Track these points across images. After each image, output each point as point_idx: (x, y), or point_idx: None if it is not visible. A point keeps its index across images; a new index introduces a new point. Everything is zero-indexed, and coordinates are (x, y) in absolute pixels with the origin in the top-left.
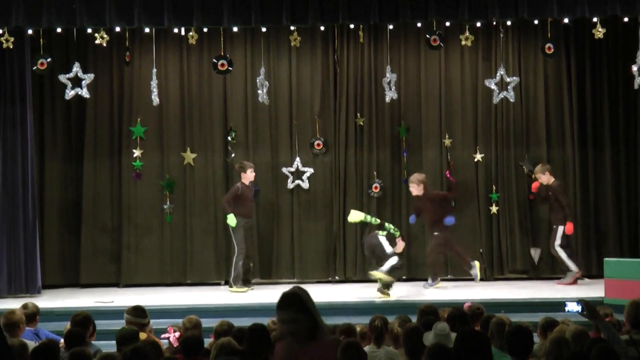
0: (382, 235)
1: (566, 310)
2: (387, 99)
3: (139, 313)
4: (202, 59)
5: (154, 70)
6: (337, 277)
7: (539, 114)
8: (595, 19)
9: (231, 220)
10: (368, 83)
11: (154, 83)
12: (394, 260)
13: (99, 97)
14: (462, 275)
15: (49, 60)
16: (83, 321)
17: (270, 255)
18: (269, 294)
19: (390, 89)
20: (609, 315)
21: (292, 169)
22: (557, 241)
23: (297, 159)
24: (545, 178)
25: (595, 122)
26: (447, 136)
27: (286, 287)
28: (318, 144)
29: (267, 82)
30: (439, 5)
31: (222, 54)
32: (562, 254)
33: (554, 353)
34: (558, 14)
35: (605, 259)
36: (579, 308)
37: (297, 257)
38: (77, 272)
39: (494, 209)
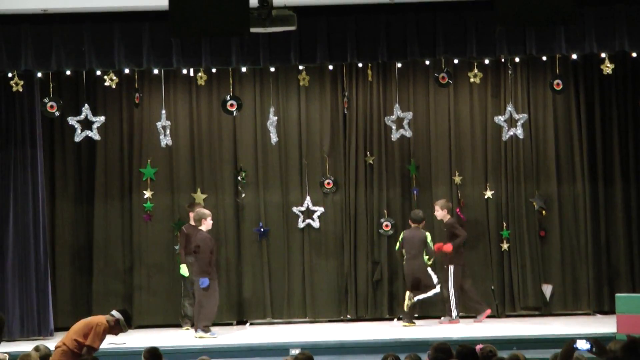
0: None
1: (575, 347)
2: (394, 138)
3: (155, 357)
4: (211, 99)
5: (163, 111)
6: (349, 316)
7: (548, 150)
8: (603, 55)
9: (184, 270)
10: (377, 121)
11: (160, 124)
12: (437, 290)
13: (109, 139)
14: (474, 312)
15: (58, 102)
16: None
17: (282, 295)
18: (282, 333)
19: (403, 127)
20: None
21: (303, 209)
22: (451, 281)
23: (308, 198)
24: (440, 214)
25: (606, 157)
26: (457, 173)
27: (298, 327)
28: (328, 183)
29: (275, 118)
30: (447, 43)
31: (232, 94)
32: (452, 296)
33: None
34: (566, 50)
35: (617, 294)
36: (587, 346)
37: (309, 296)
38: (89, 314)
39: (504, 245)
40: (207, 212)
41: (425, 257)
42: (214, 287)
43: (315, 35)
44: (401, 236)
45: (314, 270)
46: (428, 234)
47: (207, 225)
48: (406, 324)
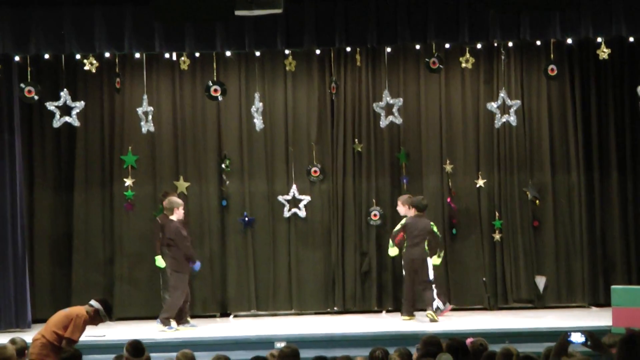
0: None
1: (569, 340)
2: (383, 125)
3: (136, 351)
4: (195, 85)
5: (144, 97)
6: (336, 308)
7: (542, 138)
8: (599, 40)
9: (159, 262)
10: (366, 108)
11: (141, 110)
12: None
13: (89, 125)
14: (464, 304)
15: (36, 87)
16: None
17: (267, 286)
18: (267, 326)
19: (393, 113)
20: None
21: (289, 197)
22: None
23: (294, 186)
24: (403, 210)
25: (601, 145)
26: (448, 162)
27: (284, 319)
28: (315, 171)
29: (261, 104)
30: (438, 27)
31: (216, 79)
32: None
33: None
34: (561, 35)
35: (613, 286)
36: (582, 339)
37: (295, 287)
38: (68, 306)
39: (497, 236)
40: (179, 201)
41: (427, 247)
42: (184, 282)
43: (303, 19)
44: (403, 222)
45: (300, 261)
46: (433, 224)
47: (178, 214)
48: (406, 317)
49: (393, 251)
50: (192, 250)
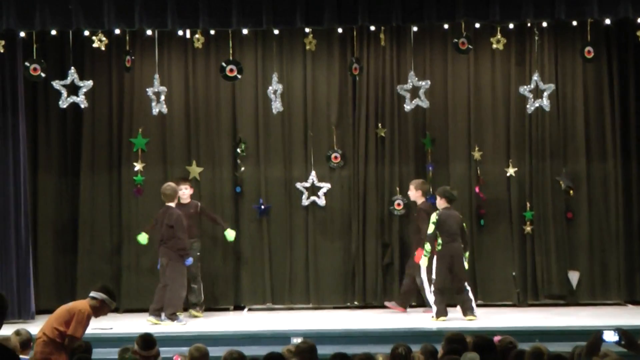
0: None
1: (602, 339)
2: (408, 108)
3: (146, 345)
4: (209, 64)
5: (156, 76)
6: (355, 303)
7: (577, 124)
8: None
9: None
10: (390, 90)
11: (151, 90)
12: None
13: (97, 106)
14: (492, 300)
15: (42, 64)
16: (83, 351)
17: (283, 279)
18: (283, 320)
19: (419, 96)
20: None
21: (307, 184)
22: (423, 269)
23: (313, 173)
24: (414, 195)
25: None
26: (476, 148)
27: (300, 313)
28: (335, 157)
29: (280, 86)
30: (467, 5)
31: (231, 58)
32: (425, 285)
33: None
34: (599, 15)
35: None
36: (616, 338)
37: (313, 280)
38: (73, 296)
39: (528, 228)
40: (176, 187)
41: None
42: (182, 272)
43: None
44: (435, 218)
45: (319, 252)
46: (462, 218)
47: (176, 201)
48: (443, 318)
49: (425, 261)
50: (187, 244)
